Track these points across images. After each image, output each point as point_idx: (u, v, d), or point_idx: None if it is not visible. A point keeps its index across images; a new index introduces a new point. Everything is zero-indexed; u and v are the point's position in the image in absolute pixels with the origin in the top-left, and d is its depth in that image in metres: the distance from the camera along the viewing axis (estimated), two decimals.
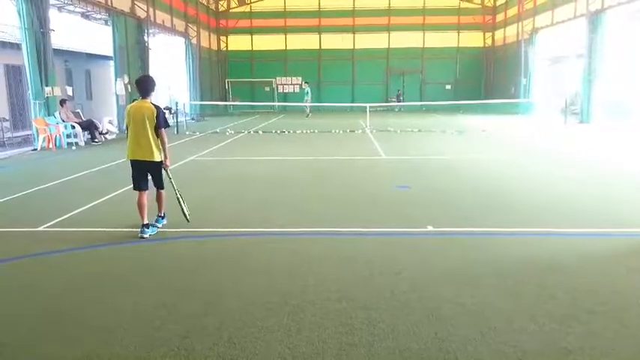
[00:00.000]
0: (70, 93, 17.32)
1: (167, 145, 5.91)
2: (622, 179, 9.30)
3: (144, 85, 5.85)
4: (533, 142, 15.41)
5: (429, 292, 4.24)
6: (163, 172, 6.03)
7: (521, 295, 4.18)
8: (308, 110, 29.53)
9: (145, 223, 5.86)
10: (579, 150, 13.39)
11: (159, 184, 6.07)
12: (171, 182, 6.17)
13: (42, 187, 8.97)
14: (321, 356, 3.23)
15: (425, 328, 3.60)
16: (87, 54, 22.63)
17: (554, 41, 27.22)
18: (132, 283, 4.57)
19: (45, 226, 6.39)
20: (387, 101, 35.32)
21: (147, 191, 5.94)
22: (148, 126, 5.69)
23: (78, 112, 17.14)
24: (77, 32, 21.29)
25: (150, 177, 6.00)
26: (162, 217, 6.23)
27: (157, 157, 5.83)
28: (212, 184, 9.30)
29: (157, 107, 5.77)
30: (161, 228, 6.11)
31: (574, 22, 23.69)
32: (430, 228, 6.13)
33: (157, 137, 5.78)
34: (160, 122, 5.74)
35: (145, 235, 5.78)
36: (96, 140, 16.01)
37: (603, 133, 17.43)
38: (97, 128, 16.27)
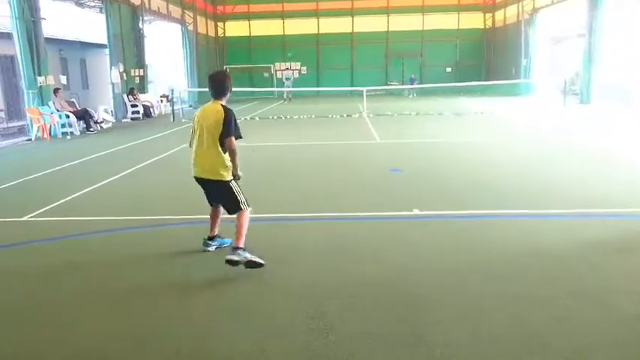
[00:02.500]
0: (64, 82, 17.23)
1: (237, 156, 4.49)
2: (614, 162, 9.18)
3: (218, 84, 4.53)
4: (530, 124, 15.26)
5: (407, 277, 4.19)
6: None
7: (501, 277, 4.13)
8: (286, 95, 29.97)
9: (211, 235, 4.86)
10: (574, 132, 13.23)
11: (231, 207, 4.54)
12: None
13: (31, 177, 8.93)
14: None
15: (400, 311, 3.56)
16: (82, 42, 22.49)
17: (555, 21, 26.83)
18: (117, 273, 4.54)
19: (29, 216, 6.36)
20: (386, 85, 35.04)
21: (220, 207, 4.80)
22: (212, 135, 4.37)
23: (73, 102, 17.07)
24: (71, 21, 21.15)
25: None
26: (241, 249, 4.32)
27: (225, 174, 4.45)
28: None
29: (227, 111, 4.40)
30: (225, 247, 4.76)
31: (574, 0, 23.30)
32: (416, 211, 6.06)
33: (222, 149, 4.40)
34: (228, 130, 4.35)
35: (209, 249, 4.83)
36: (91, 129, 15.95)
37: (601, 115, 17.23)
38: (91, 117, 16.19)
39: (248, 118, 19.33)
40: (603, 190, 6.87)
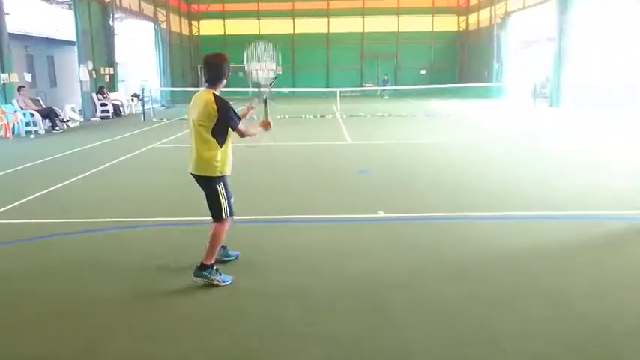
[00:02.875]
0: (28, 79, 16.74)
1: (252, 131, 4.29)
2: (576, 163, 9.31)
3: (213, 67, 4.02)
4: (499, 126, 15.44)
5: (365, 281, 4.14)
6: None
7: (461, 280, 4.10)
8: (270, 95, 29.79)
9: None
10: (540, 135, 13.41)
11: (212, 213, 4.11)
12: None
13: None
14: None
15: (363, 315, 3.49)
16: (50, 39, 21.89)
17: (526, 25, 27.26)
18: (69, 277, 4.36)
19: None
20: (361, 86, 35.12)
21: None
22: (202, 127, 3.96)
23: (38, 100, 16.60)
24: (39, 16, 20.57)
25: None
26: (206, 268, 4.00)
27: (208, 170, 4.02)
28: (165, 174, 9.05)
29: (219, 102, 3.93)
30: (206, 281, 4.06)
31: (545, 5, 23.71)
32: (381, 213, 6.02)
33: (216, 143, 3.98)
34: (231, 123, 3.99)
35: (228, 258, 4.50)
36: (57, 128, 15.51)
37: (569, 118, 17.54)
38: (57, 116, 15.76)
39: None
40: (564, 193, 6.94)
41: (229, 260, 4.52)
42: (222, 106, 3.93)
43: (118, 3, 23.17)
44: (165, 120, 18.83)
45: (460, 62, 36.79)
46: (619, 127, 14.17)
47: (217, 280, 3.99)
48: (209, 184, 4.05)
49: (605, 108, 18.64)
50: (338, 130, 14.92)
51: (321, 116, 18.88)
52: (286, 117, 18.94)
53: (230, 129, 4.03)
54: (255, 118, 9.77)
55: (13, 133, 14.34)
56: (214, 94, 3.97)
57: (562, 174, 8.23)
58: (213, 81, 4.03)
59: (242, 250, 4.68)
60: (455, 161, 9.51)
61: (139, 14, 26.40)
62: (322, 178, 8.18)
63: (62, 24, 21.17)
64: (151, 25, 28.03)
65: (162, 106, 27.01)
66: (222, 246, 4.46)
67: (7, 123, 14.18)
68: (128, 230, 5.63)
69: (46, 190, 7.44)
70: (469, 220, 5.80)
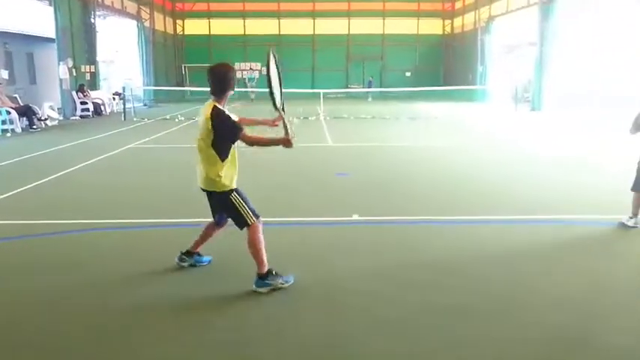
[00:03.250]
0: (5, 76, 16.40)
1: (263, 141, 3.96)
2: (551, 165, 9.36)
3: (216, 77, 3.87)
4: (480, 129, 15.53)
5: (331, 284, 4.07)
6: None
7: (425, 285, 4.05)
8: (252, 96, 30.13)
9: (191, 250, 4.38)
10: (519, 139, 13.50)
11: (236, 222, 3.99)
12: None
13: None
14: None
15: (317, 319, 3.43)
16: (30, 36, 21.49)
17: (509, 29, 27.51)
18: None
19: None
20: (347, 88, 35.14)
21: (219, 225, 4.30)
22: (203, 140, 3.83)
23: (15, 97, 16.28)
24: (18, 13, 20.18)
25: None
26: (265, 277, 3.92)
27: (216, 186, 3.88)
28: (139, 174, 8.92)
29: (216, 115, 3.75)
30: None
31: (527, 10, 23.96)
32: (355, 217, 5.97)
33: (217, 157, 3.82)
34: (230, 136, 3.82)
35: (183, 264, 4.36)
36: (34, 127, 15.23)
37: (550, 121, 17.71)
38: (35, 114, 15.48)
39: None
40: (539, 196, 6.96)
41: (201, 265, 4.41)
42: (218, 121, 3.75)
43: (99, 0, 22.87)
44: (146, 120, 18.62)
45: (445, 65, 37.03)
46: (599, 131, 14.31)
47: (281, 283, 3.93)
48: (221, 198, 3.93)
49: (586, 111, 18.84)
50: (320, 131, 14.86)
51: (304, 118, 18.81)
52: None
53: (232, 141, 3.86)
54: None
55: None
56: (214, 107, 3.79)
57: (529, 178, 8.26)
58: (217, 92, 3.86)
59: (213, 254, 4.58)
60: (434, 164, 9.51)
61: (122, 12, 26.11)
62: (299, 181, 8.11)
63: (42, 20, 20.80)
64: (134, 23, 27.72)
65: (145, 105, 26.71)
66: (197, 253, 4.39)
67: None
68: (92, 232, 5.50)
69: (17, 191, 7.26)
70: (440, 224, 5.77)
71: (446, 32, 36.96)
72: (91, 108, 19.87)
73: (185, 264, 4.37)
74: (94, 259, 4.66)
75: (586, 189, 7.38)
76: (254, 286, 3.91)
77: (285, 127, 3.94)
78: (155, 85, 28.90)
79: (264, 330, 3.35)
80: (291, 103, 24.62)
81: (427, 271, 4.35)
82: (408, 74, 36.76)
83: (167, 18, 34.43)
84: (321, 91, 21.46)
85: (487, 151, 11.13)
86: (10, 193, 7.12)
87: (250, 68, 35.89)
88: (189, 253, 4.39)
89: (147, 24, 28.97)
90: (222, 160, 3.85)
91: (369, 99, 31.52)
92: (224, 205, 3.97)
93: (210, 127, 3.75)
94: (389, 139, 13.06)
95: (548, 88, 21.84)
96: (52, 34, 19.76)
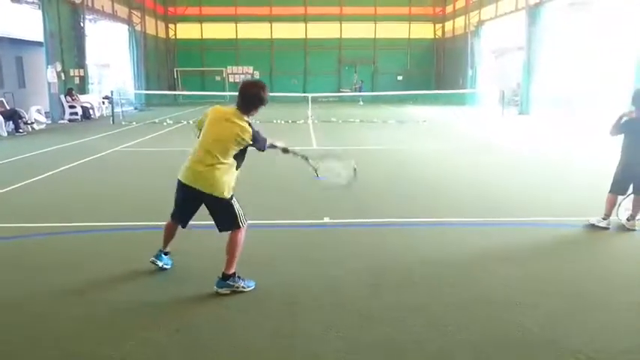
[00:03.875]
0: None
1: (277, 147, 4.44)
2: (534, 169, 9.45)
3: (249, 97, 3.93)
4: (464, 132, 15.62)
5: (293, 286, 4.12)
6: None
7: (394, 286, 4.11)
8: None
9: (165, 250, 4.39)
10: (503, 140, 13.61)
11: (225, 225, 4.03)
12: None
13: None
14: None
15: (277, 320, 3.47)
16: (18, 40, 21.49)
17: (498, 33, 27.68)
18: None
19: None
20: (339, 92, 35.24)
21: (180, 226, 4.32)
22: (225, 147, 3.88)
23: (2, 101, 16.26)
24: (6, 16, 20.18)
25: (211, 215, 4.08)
26: (229, 277, 3.96)
27: (224, 191, 3.91)
28: (120, 177, 8.95)
29: (252, 129, 3.90)
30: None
31: (515, 14, 24.13)
32: (327, 219, 6.02)
33: (234, 166, 3.97)
34: (260, 146, 4.08)
35: (159, 264, 4.33)
36: (20, 130, 15.23)
37: (536, 124, 17.84)
38: (21, 118, 15.48)
39: (190, 122, 18.96)
40: (519, 199, 7.03)
41: (160, 268, 4.40)
42: (256, 136, 3.94)
43: (89, 4, 22.91)
44: (134, 123, 18.63)
45: (436, 69, 37.20)
46: (583, 134, 14.43)
47: (242, 287, 3.97)
48: (220, 202, 3.93)
49: (572, 114, 18.98)
50: (306, 135, 14.92)
51: (292, 121, 18.86)
52: (257, 122, 18.83)
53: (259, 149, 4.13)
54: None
55: None
56: (249, 123, 3.90)
57: (505, 181, 8.34)
58: (248, 110, 3.93)
59: (179, 256, 4.62)
60: (413, 167, 9.58)
61: (113, 16, 26.13)
62: (275, 183, 8.17)
63: (31, 24, 20.81)
64: (124, 27, 27.74)
65: (136, 109, 26.70)
66: (165, 252, 4.40)
67: None
68: (63, 235, 5.53)
69: None
70: (415, 226, 5.83)
71: (437, 36, 37.15)
72: (80, 112, 19.87)
73: (160, 263, 4.35)
74: (61, 263, 4.69)
75: (563, 190, 7.46)
76: (215, 286, 3.94)
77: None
78: (147, 89, 28.94)
79: (212, 332, 3.39)
80: (281, 106, 24.77)
81: (390, 274, 4.41)
82: (399, 78, 36.90)
83: (159, 22, 34.48)
84: (309, 95, 21.48)
85: (468, 154, 11.20)
86: None
87: (242, 72, 36.05)
88: (167, 253, 4.41)
89: (138, 28, 29.00)
90: (237, 169, 4.01)
91: (360, 102, 31.58)
92: (222, 209, 3.97)
93: (246, 140, 3.87)
94: (373, 143, 13.13)
95: (536, 92, 21.99)
96: (41, 38, 19.79)
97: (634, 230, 5.46)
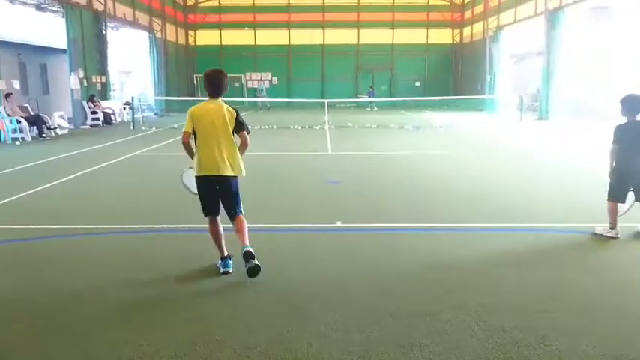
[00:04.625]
0: (16, 87, 16.84)
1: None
2: (553, 175, 9.37)
3: (217, 82, 4.45)
4: (481, 138, 15.53)
5: (299, 289, 4.18)
6: None
7: (396, 291, 4.14)
8: (262, 105, 31.64)
9: (225, 254, 4.56)
10: (522, 147, 13.50)
11: (236, 208, 4.54)
12: None
13: None
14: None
15: (282, 323, 3.54)
16: (43, 47, 22.09)
17: (517, 39, 27.49)
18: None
19: None
20: (356, 97, 35.29)
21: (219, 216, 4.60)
22: (225, 132, 4.41)
23: (26, 107, 16.71)
24: (31, 25, 20.76)
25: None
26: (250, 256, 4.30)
27: (241, 170, 4.52)
28: (135, 181, 9.13)
29: (235, 108, 4.47)
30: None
31: (535, 19, 23.94)
32: (339, 224, 6.07)
33: (236, 147, 4.49)
34: (244, 125, 4.50)
35: (229, 270, 4.48)
36: (44, 135, 15.63)
37: (556, 131, 17.64)
38: (44, 123, 15.88)
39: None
40: (536, 205, 7.00)
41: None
42: (238, 112, 4.49)
43: (111, 12, 23.42)
44: (154, 129, 18.95)
45: (454, 74, 37.04)
46: (602, 140, 14.23)
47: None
48: (235, 182, 4.53)
49: (593, 121, 18.72)
50: (322, 140, 15.00)
51: (309, 127, 18.98)
52: (274, 127, 19.05)
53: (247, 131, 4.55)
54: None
55: None
56: (231, 106, 4.49)
57: (528, 187, 8.30)
58: (219, 93, 4.48)
59: (178, 256, 4.74)
60: (427, 173, 9.57)
61: (134, 23, 26.64)
62: (290, 188, 8.25)
63: (55, 32, 21.37)
64: (145, 34, 28.26)
65: (156, 114, 27.13)
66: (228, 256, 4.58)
67: None
68: (80, 238, 5.69)
69: (16, 197, 7.51)
70: (426, 231, 5.84)
71: (455, 42, 37.03)
72: (102, 117, 20.28)
73: (230, 269, 4.50)
74: (91, 263, 4.84)
75: (584, 197, 7.40)
76: (256, 262, 4.24)
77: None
78: (167, 95, 29.37)
79: (221, 331, 3.47)
80: (299, 112, 24.85)
81: (402, 278, 4.44)
82: (417, 84, 36.85)
83: (179, 29, 35.03)
84: (326, 100, 21.59)
85: (485, 160, 11.15)
86: (11, 199, 7.37)
87: (260, 78, 36.35)
88: (229, 256, 4.56)
89: (159, 35, 29.51)
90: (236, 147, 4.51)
91: (373, 108, 31.45)
92: (235, 190, 4.52)
93: (234, 117, 4.42)
94: (388, 148, 13.13)
95: (556, 98, 21.76)
96: (64, 46, 20.30)
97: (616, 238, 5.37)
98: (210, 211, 4.54)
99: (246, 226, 4.50)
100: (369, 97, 31.59)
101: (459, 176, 9.23)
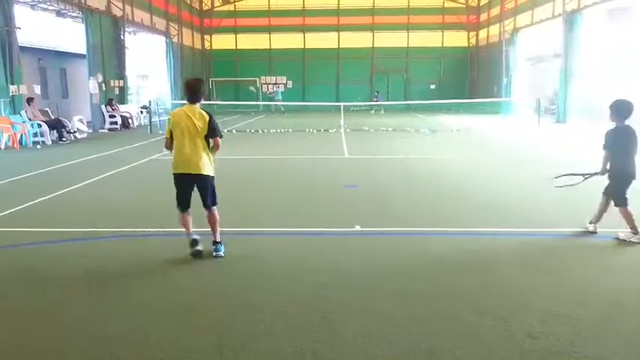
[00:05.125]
0: (37, 91, 17.14)
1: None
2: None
3: (195, 89, 4.99)
4: (499, 142, 15.40)
5: (320, 293, 4.19)
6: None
7: (416, 294, 4.13)
8: (275, 108, 32.06)
9: (194, 237, 5.08)
10: (539, 149, 13.37)
11: (210, 201, 5.08)
12: None
13: None
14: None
15: (305, 327, 3.55)
16: (62, 52, 22.45)
17: (534, 41, 27.25)
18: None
19: None
20: (372, 101, 35.25)
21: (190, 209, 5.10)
22: (199, 135, 4.88)
23: (46, 111, 16.99)
24: (51, 30, 21.12)
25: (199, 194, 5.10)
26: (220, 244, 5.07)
27: (211, 169, 5.04)
28: (154, 185, 9.21)
29: (209, 114, 4.95)
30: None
31: (552, 21, 23.71)
32: (357, 228, 6.07)
33: (208, 147, 4.99)
34: (217, 130, 4.96)
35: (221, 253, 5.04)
36: (64, 139, 15.87)
37: (573, 133, 17.43)
38: (64, 127, 16.13)
39: (225, 131, 19.34)
40: (554, 208, 6.93)
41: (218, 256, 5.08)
42: (212, 117, 4.95)
43: (129, 17, 23.73)
44: None
45: (470, 77, 36.80)
46: None
47: (223, 253, 5.02)
48: (208, 180, 5.03)
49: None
50: (338, 143, 15.01)
51: (324, 130, 18.99)
52: (290, 130, 19.10)
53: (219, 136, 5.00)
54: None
55: (20, 143, 14.70)
56: (206, 111, 4.97)
57: (545, 191, 8.20)
58: (197, 100, 4.99)
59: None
60: (444, 177, 9.51)
61: (151, 28, 26.96)
62: (308, 192, 8.26)
63: (75, 37, 21.71)
64: (162, 39, 28.57)
65: None
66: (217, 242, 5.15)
67: (15, 133, 14.55)
68: (88, 242, 5.76)
69: (37, 201, 7.64)
70: (443, 235, 5.82)
71: (471, 44, 36.81)
72: (119, 121, 20.55)
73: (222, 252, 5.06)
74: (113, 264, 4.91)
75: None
76: (215, 252, 5.00)
77: None
78: (183, 99, 29.57)
79: (246, 336, 3.49)
80: (314, 115, 24.99)
81: (417, 282, 4.43)
82: (432, 87, 36.68)
83: (195, 33, 35.35)
84: (342, 104, 21.60)
85: (502, 163, 11.07)
86: (33, 202, 7.49)
87: (275, 82, 36.54)
88: (218, 242, 5.11)
89: (175, 39, 29.82)
90: (211, 151, 5.02)
91: (378, 111, 31.29)
92: (209, 186, 5.05)
93: (208, 123, 4.90)
94: (405, 152, 13.08)
95: (574, 100, 21.50)
96: (83, 51, 20.62)
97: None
98: (183, 206, 5.07)
99: (216, 220, 5.08)
100: (376, 100, 31.53)
101: (477, 180, 9.16)
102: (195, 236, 5.08)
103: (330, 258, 5.08)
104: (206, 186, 5.03)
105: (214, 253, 5.00)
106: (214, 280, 4.52)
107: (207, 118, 4.90)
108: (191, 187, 5.05)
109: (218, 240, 5.07)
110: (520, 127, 19.85)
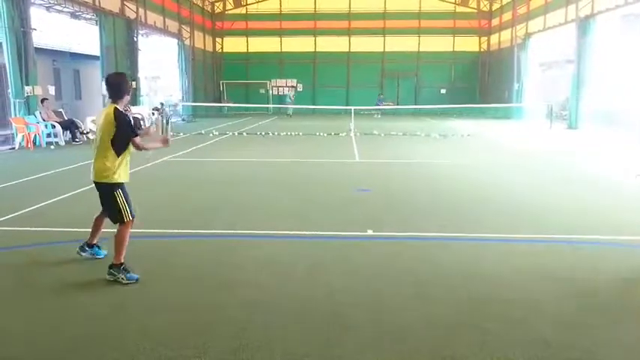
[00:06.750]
0: (52, 92, 17.32)
1: (147, 146, 4.81)
2: (586, 186, 9.19)
3: (114, 86, 4.51)
4: (510, 147, 15.32)
5: (336, 297, 4.19)
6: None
7: (429, 299, 4.13)
8: (290, 111, 32.52)
9: (89, 242, 4.93)
10: (550, 157, 13.29)
11: (112, 216, 4.60)
12: None
13: None
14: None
15: (321, 331, 3.56)
16: (76, 53, 22.69)
17: (546, 46, 27.12)
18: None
19: None
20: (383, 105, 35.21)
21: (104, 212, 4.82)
22: (103, 137, 4.43)
23: (60, 112, 17.17)
24: (66, 32, 21.36)
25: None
26: (114, 267, 4.46)
27: (107, 177, 4.45)
28: (164, 186, 9.28)
29: (118, 114, 4.38)
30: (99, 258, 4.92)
31: (565, 27, 23.60)
32: (370, 232, 6.07)
33: (113, 152, 4.42)
34: (129, 132, 4.43)
35: (83, 254, 4.92)
36: (77, 140, 16.03)
37: (586, 139, 17.31)
38: (77, 128, 16.29)
39: (235, 134, 19.45)
40: (570, 216, 6.89)
41: (98, 258, 4.94)
42: (121, 120, 4.38)
43: (142, 20, 23.93)
44: (181, 134, 19.25)
45: (481, 82, 36.67)
46: (632, 149, 13.92)
47: (122, 278, 4.39)
48: (107, 189, 4.48)
49: (625, 131, 18.32)
50: (349, 147, 15.02)
51: (335, 134, 19.01)
52: (300, 134, 19.14)
53: (129, 137, 4.46)
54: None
55: (34, 143, 14.86)
56: (115, 108, 4.42)
57: (562, 198, 8.16)
58: (115, 97, 4.51)
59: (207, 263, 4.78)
60: (456, 182, 9.49)
61: (164, 31, 27.16)
62: (321, 196, 8.25)
63: (88, 39, 21.93)
64: (174, 41, 28.77)
65: (183, 120, 27.57)
66: (96, 245, 4.94)
67: (29, 134, 14.72)
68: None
69: (50, 201, 7.72)
70: (455, 241, 5.80)
71: (482, 49, 36.68)
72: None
73: (84, 254, 4.91)
74: None
75: (632, 210, 7.26)
76: (107, 276, 4.43)
77: (164, 129, 4.62)
78: (194, 101, 29.80)
79: (259, 339, 3.50)
80: (325, 119, 25.00)
81: (430, 288, 4.42)
82: (443, 91, 36.56)
83: (207, 36, 35.54)
84: (352, 107, 21.62)
85: (512, 169, 11.01)
86: (46, 203, 7.57)
87: (286, 85, 36.66)
88: (89, 245, 4.93)
89: (187, 42, 30.00)
90: (118, 155, 4.44)
91: (376, 115, 31.14)
92: (107, 198, 4.52)
93: (113, 124, 4.35)
94: (416, 156, 13.09)
95: (586, 106, 21.36)
96: (97, 52, 20.81)
97: None
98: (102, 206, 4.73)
99: (121, 240, 4.46)
100: (379, 104, 31.43)
101: (490, 186, 9.13)
102: (94, 242, 4.93)
103: (343, 262, 5.08)
104: (107, 197, 4.52)
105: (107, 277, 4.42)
106: (220, 282, 4.53)
107: (112, 118, 4.33)
108: (99, 193, 4.60)
109: (115, 262, 4.42)
110: (532, 133, 19.73)
